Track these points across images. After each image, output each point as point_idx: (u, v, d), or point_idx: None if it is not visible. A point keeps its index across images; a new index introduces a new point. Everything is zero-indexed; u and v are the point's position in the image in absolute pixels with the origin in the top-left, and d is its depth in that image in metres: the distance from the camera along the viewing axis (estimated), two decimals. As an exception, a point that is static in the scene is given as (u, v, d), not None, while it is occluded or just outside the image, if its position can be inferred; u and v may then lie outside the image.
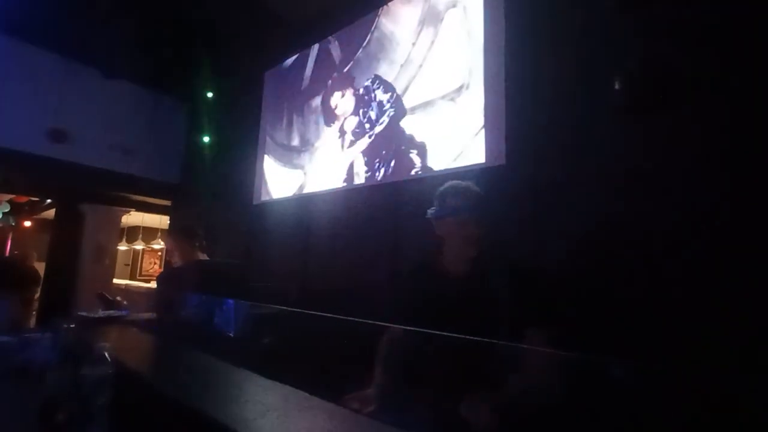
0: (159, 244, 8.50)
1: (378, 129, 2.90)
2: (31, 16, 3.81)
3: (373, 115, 2.96)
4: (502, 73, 2.25)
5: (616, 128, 1.87)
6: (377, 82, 2.97)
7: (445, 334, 0.98)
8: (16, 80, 3.86)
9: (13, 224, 7.90)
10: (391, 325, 1.30)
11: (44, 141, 4.02)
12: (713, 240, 1.56)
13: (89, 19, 3.83)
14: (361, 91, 3.08)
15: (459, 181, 1.34)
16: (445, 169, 2.45)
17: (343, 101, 3.22)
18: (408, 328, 1.32)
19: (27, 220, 8.03)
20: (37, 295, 2.99)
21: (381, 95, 2.93)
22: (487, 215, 1.26)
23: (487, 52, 2.35)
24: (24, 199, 7.08)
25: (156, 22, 4.06)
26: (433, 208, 1.33)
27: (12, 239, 8.18)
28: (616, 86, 1.77)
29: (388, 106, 2.87)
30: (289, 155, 3.66)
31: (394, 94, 2.83)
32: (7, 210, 7.18)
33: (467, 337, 0.93)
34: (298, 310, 1.39)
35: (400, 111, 2.78)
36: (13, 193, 6.39)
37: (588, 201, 1.89)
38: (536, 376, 1.05)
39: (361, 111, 3.06)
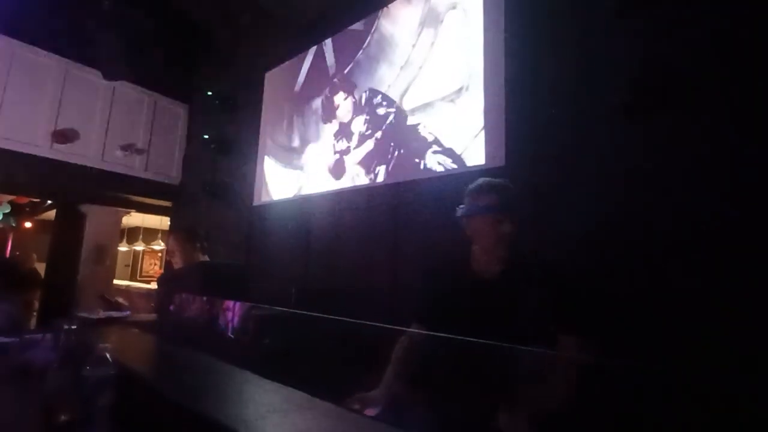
0: (159, 245, 8.50)
1: (378, 133, 2.91)
2: (34, 19, 3.83)
3: (373, 118, 2.97)
4: (501, 74, 2.26)
5: (616, 129, 1.87)
6: (377, 91, 2.97)
7: (460, 338, 0.93)
8: (18, 82, 3.87)
9: (14, 225, 7.91)
10: (394, 327, 1.28)
11: (45, 142, 4.03)
12: (714, 240, 1.57)
13: (91, 21, 3.84)
14: (363, 94, 3.09)
15: (491, 178, 1.26)
16: (445, 171, 2.45)
17: (344, 104, 3.23)
18: (420, 331, 1.30)
19: (28, 221, 8.03)
20: (37, 297, 3.00)
21: (381, 101, 2.93)
22: (521, 214, 1.20)
23: (486, 53, 2.35)
24: (25, 200, 7.09)
25: (156, 24, 4.07)
26: (462, 205, 1.26)
27: (12, 240, 8.19)
28: (616, 87, 1.77)
29: (388, 111, 2.87)
30: (289, 156, 3.67)
31: (394, 100, 2.84)
32: (7, 211, 7.19)
33: (485, 341, 0.87)
34: (299, 311, 1.39)
35: (400, 115, 2.78)
36: (14, 194, 6.39)
37: (588, 201, 1.90)
38: (568, 386, 1.00)
39: (362, 114, 3.06)
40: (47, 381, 1.05)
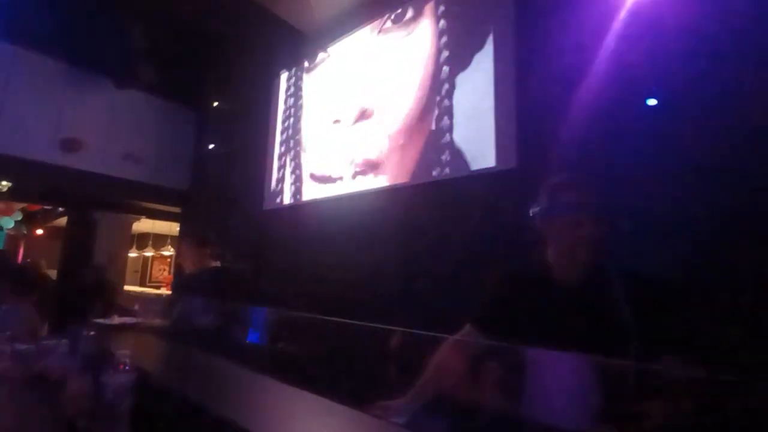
0: (168, 251, 8.56)
1: (388, 136, 2.90)
2: (45, 28, 3.88)
3: (382, 120, 2.97)
4: (512, 75, 2.25)
5: (633, 128, 1.85)
6: (386, 92, 2.98)
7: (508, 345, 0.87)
8: (29, 90, 3.93)
9: (26, 232, 8.01)
10: (411, 330, 1.25)
11: (56, 150, 4.07)
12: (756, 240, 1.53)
13: (101, 29, 3.90)
14: (372, 96, 3.09)
15: (571, 174, 1.13)
16: (454, 174, 2.44)
17: (352, 107, 3.23)
18: (453, 337, 1.23)
19: (39, 228, 8.13)
20: (50, 302, 3.02)
21: (390, 103, 2.93)
22: (608, 213, 1.06)
23: (497, 54, 2.34)
24: (36, 207, 7.18)
25: (165, 32, 4.12)
26: (538, 204, 1.13)
27: (24, 247, 8.29)
28: (634, 85, 1.75)
29: (396, 113, 2.87)
30: (299, 161, 3.68)
31: (403, 102, 2.84)
32: (19, 218, 7.28)
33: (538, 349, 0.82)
34: (316, 315, 1.38)
35: (408, 118, 2.78)
36: (26, 202, 6.48)
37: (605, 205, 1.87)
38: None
39: (371, 117, 3.07)
40: (68, 387, 1.05)
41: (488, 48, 2.39)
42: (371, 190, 2.94)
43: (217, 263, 2.32)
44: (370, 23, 3.18)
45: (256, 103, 4.23)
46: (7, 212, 6.92)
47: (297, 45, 3.85)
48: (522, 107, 2.21)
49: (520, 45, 2.27)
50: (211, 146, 4.55)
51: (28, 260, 4.52)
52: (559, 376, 0.98)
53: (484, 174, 2.28)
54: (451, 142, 2.50)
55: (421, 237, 2.55)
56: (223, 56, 4.59)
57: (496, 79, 2.32)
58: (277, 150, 3.94)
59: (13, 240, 8.27)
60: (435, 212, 2.49)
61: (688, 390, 0.88)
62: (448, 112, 2.54)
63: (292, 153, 3.77)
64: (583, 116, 1.99)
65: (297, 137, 3.74)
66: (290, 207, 3.66)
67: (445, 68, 2.61)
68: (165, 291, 8.15)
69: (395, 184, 2.79)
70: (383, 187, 2.86)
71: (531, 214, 1.14)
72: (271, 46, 4.08)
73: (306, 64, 3.79)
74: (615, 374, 0.88)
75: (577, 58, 2.05)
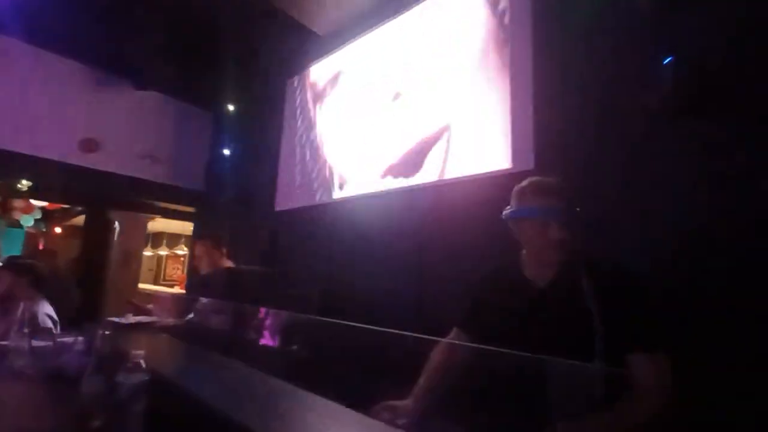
0: (182, 250, 8.67)
1: (402, 137, 2.88)
2: (65, 30, 3.96)
3: (396, 121, 2.95)
4: (529, 73, 2.20)
5: (653, 130, 1.80)
6: (400, 94, 2.96)
7: (501, 350, 0.87)
8: (49, 91, 4.02)
9: (45, 230, 8.20)
10: (424, 336, 1.24)
11: (75, 150, 4.16)
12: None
13: (120, 32, 3.97)
14: (386, 97, 3.08)
15: (540, 177, 1.16)
16: (470, 175, 2.41)
17: (366, 108, 3.22)
18: (455, 341, 1.25)
19: (58, 226, 8.31)
20: (71, 300, 3.07)
21: (405, 103, 2.91)
22: (578, 215, 1.07)
23: (513, 52, 2.30)
24: (55, 206, 7.34)
25: (182, 33, 4.17)
26: (509, 207, 1.17)
27: (44, 245, 8.48)
28: (654, 86, 1.70)
29: (412, 113, 2.85)
30: (312, 162, 3.68)
31: (419, 102, 2.81)
32: (38, 217, 7.45)
33: (527, 354, 0.82)
34: (330, 320, 1.36)
35: (424, 118, 2.76)
36: (45, 201, 6.63)
37: (622, 206, 1.82)
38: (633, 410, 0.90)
39: (385, 117, 3.05)
40: (82, 385, 1.05)
41: (503, 46, 2.35)
42: (386, 190, 2.92)
43: (231, 263, 2.33)
44: (385, 23, 3.17)
45: (272, 104, 4.25)
46: (26, 211, 7.09)
47: (312, 46, 3.86)
48: (539, 106, 2.16)
49: (536, 42, 2.23)
50: (225, 148, 4.59)
51: (46, 256, 4.61)
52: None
53: (500, 175, 2.24)
54: (466, 142, 2.46)
55: (436, 239, 2.52)
56: (239, 58, 4.62)
57: (512, 76, 2.28)
58: (289, 150, 3.94)
59: (32, 238, 8.48)
60: (451, 213, 2.46)
61: (655, 391, 0.91)
62: (463, 111, 2.51)
63: (305, 154, 3.77)
64: (599, 117, 1.95)
65: (312, 138, 3.74)
66: (304, 208, 3.66)
67: (458, 64, 2.58)
68: (178, 289, 8.26)
69: (410, 185, 2.76)
70: (398, 188, 2.83)
71: (502, 216, 1.17)
72: (287, 48, 4.10)
73: (320, 64, 3.79)
74: (576, 376, 0.90)
75: (594, 58, 2.01)
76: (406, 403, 1.14)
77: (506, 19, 2.37)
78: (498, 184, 2.29)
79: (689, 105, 1.68)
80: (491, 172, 2.30)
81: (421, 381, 1.20)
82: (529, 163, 2.13)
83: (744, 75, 1.58)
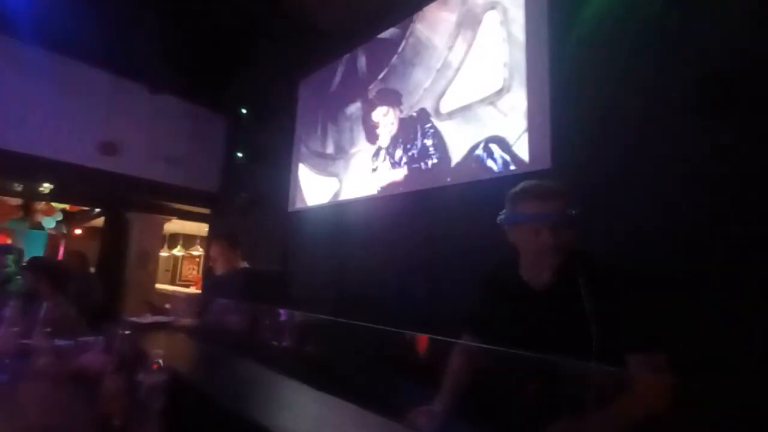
0: (197, 251, 8.80)
1: (415, 137, 2.87)
2: (83, 36, 4.06)
3: (410, 121, 2.93)
4: (546, 72, 2.17)
5: (671, 128, 1.75)
6: (414, 94, 2.94)
7: (511, 351, 0.88)
8: (69, 96, 4.12)
9: (65, 232, 8.41)
10: (441, 337, 1.23)
11: (94, 154, 4.25)
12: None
13: (136, 37, 4.04)
14: (398, 97, 3.06)
15: (535, 181, 1.13)
16: (485, 175, 2.38)
17: (378, 109, 3.22)
18: (469, 343, 1.24)
19: (78, 228, 8.52)
20: (94, 300, 3.14)
21: (418, 105, 2.90)
22: (573, 218, 1.05)
23: (529, 52, 2.27)
24: (75, 208, 7.52)
25: (196, 39, 4.23)
26: (504, 212, 1.15)
27: (65, 246, 8.71)
28: (677, 83, 1.65)
29: (425, 115, 2.83)
30: (324, 163, 3.69)
31: (431, 103, 2.79)
32: (60, 219, 7.65)
33: (538, 355, 0.82)
34: (346, 320, 1.36)
35: (437, 119, 2.74)
36: (66, 203, 6.80)
37: (642, 205, 1.78)
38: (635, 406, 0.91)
39: (398, 118, 3.04)
40: (103, 384, 1.06)
41: (519, 43, 2.32)
42: (399, 192, 2.90)
43: (246, 264, 2.35)
44: (397, 23, 3.16)
45: (285, 105, 4.28)
46: (48, 213, 7.29)
47: (325, 48, 3.86)
48: (556, 104, 2.12)
49: (552, 39, 2.19)
50: (239, 150, 4.64)
51: (72, 257, 4.72)
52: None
53: (517, 175, 2.20)
54: (483, 142, 2.44)
55: (449, 239, 2.49)
56: (252, 61, 4.67)
57: (528, 74, 2.25)
58: (303, 151, 3.96)
59: (53, 239, 8.71)
60: (465, 214, 2.43)
61: (654, 391, 0.92)
62: (480, 108, 2.48)
63: (318, 154, 3.78)
64: (618, 115, 1.91)
65: (324, 138, 3.75)
66: (316, 208, 3.67)
67: (467, 61, 2.56)
68: (194, 289, 8.38)
69: (423, 186, 2.74)
70: (411, 189, 2.82)
71: (498, 221, 1.16)
72: (299, 50, 4.12)
73: (336, 65, 3.80)
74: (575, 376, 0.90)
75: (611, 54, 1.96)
76: (438, 409, 1.12)
77: (522, 17, 2.34)
78: (514, 184, 2.27)
79: (710, 105, 1.63)
80: (509, 172, 2.26)
81: (447, 385, 1.18)
82: (547, 163, 2.09)
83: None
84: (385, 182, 3.02)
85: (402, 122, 2.99)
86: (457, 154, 2.56)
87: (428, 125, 2.79)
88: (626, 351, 0.95)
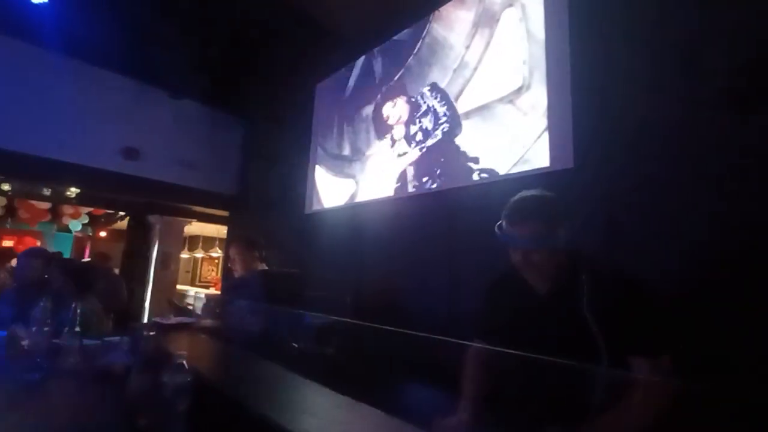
0: (217, 252, 8.95)
1: (431, 141, 2.85)
2: (107, 44, 4.18)
3: (427, 124, 2.92)
4: (567, 69, 2.12)
5: (698, 127, 1.68)
6: (433, 91, 2.92)
7: (519, 353, 0.88)
8: (93, 103, 4.25)
9: (91, 234, 8.69)
10: (463, 341, 1.21)
11: (118, 158, 4.37)
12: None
13: (158, 45, 4.14)
14: (415, 99, 3.05)
15: (523, 201, 1.12)
16: (505, 175, 2.34)
17: (395, 110, 3.21)
18: (484, 346, 1.23)
19: (103, 230, 8.78)
20: (120, 300, 3.22)
21: (436, 104, 2.88)
22: (561, 235, 1.05)
23: (548, 49, 2.23)
24: (100, 211, 7.76)
25: (215, 44, 4.31)
26: (499, 224, 1.15)
27: (90, 247, 8.99)
28: (703, 76, 1.59)
29: (443, 114, 2.81)
30: (341, 165, 3.70)
31: (450, 102, 2.77)
32: (86, 222, 7.91)
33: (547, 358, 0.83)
34: (367, 323, 1.35)
35: (455, 119, 2.71)
36: (91, 206, 7.02)
37: (672, 203, 1.72)
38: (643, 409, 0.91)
39: (415, 120, 3.03)
40: (130, 384, 1.08)
41: (539, 40, 2.28)
42: (416, 192, 2.89)
43: (264, 266, 2.36)
44: (413, 24, 3.15)
45: (302, 108, 4.31)
46: (75, 216, 7.54)
47: (341, 51, 3.88)
48: (578, 102, 2.07)
49: (573, 34, 2.14)
50: (257, 153, 4.70)
51: (98, 258, 4.87)
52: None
53: (539, 174, 2.16)
54: (500, 140, 2.40)
55: (468, 241, 2.46)
56: (269, 65, 4.73)
57: (549, 71, 2.20)
58: (319, 153, 3.99)
59: (80, 241, 9.01)
60: (484, 214, 2.39)
61: (657, 394, 0.91)
62: (498, 107, 2.45)
63: (335, 156, 3.80)
64: (643, 113, 1.85)
65: (341, 140, 3.77)
66: (333, 210, 3.68)
67: (490, 57, 2.53)
68: (213, 290, 8.53)
69: (441, 186, 2.72)
70: (429, 190, 2.80)
71: (496, 229, 1.15)
72: (315, 54, 4.15)
73: (351, 68, 3.81)
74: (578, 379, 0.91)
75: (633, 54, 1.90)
76: (464, 418, 1.11)
77: (542, 13, 2.30)
78: (534, 184, 2.22)
79: (740, 102, 1.56)
80: (528, 172, 2.22)
81: (467, 393, 1.17)
82: (569, 162, 2.04)
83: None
84: (403, 182, 3.00)
85: (419, 122, 2.97)
86: (474, 154, 2.53)
87: (445, 125, 2.76)
88: (629, 354, 0.95)
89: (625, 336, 0.94)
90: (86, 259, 8.21)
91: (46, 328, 1.55)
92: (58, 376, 1.36)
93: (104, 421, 1.11)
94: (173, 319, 1.92)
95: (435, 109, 2.86)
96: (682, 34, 1.78)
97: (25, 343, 1.47)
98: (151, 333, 1.21)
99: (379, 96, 3.39)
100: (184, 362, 1.04)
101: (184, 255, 9.02)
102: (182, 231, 6.11)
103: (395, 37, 3.31)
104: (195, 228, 8.14)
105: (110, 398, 1.19)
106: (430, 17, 3.02)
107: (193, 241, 9.92)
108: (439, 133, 2.80)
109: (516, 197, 1.14)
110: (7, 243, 7.98)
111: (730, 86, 1.56)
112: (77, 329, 1.57)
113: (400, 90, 3.19)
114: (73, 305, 1.77)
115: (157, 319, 1.90)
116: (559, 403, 0.96)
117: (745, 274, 1.48)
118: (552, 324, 1.04)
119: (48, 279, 2.17)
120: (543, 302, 1.10)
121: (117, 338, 1.69)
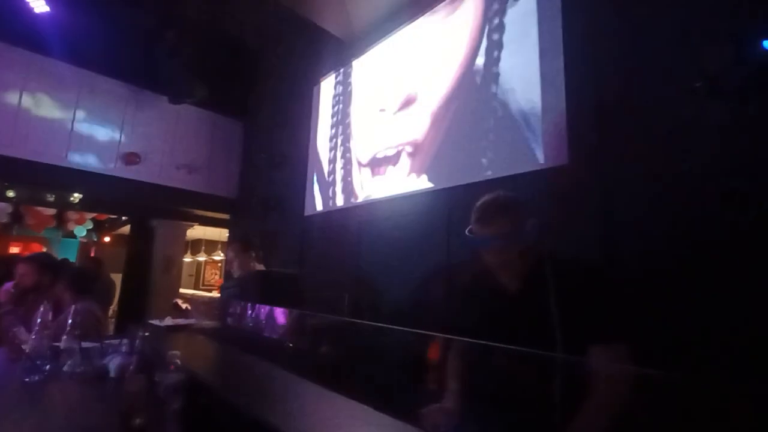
0: (220, 256, 8.99)
1: (429, 137, 2.86)
2: (107, 51, 4.23)
3: (422, 120, 2.93)
4: (560, 65, 2.12)
5: (693, 122, 1.68)
6: (428, 93, 2.94)
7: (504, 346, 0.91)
8: (95, 110, 4.30)
9: (96, 239, 8.75)
10: (455, 337, 1.22)
11: (119, 164, 4.41)
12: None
13: (157, 50, 4.19)
14: (413, 95, 3.06)
15: (489, 202, 1.16)
16: (500, 173, 2.35)
17: (391, 108, 3.22)
18: (469, 339, 1.24)
19: (106, 235, 8.84)
20: (114, 303, 3.25)
21: (431, 103, 2.89)
22: (528, 233, 1.08)
23: (542, 46, 2.23)
24: (104, 216, 7.82)
25: (212, 49, 4.35)
26: (471, 227, 1.18)
27: (94, 252, 9.05)
28: (696, 69, 1.59)
29: (438, 113, 2.82)
30: (339, 165, 3.72)
31: (447, 101, 2.78)
32: (90, 227, 7.97)
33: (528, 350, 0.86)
34: (362, 321, 1.37)
35: (452, 116, 2.72)
36: (94, 212, 7.08)
37: (665, 197, 1.72)
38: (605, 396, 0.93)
39: (411, 117, 3.04)
40: (125, 385, 1.10)
41: (533, 35, 2.28)
42: (413, 192, 2.90)
43: (262, 266, 2.38)
44: (407, 25, 3.17)
45: (300, 111, 4.34)
46: (80, 222, 7.61)
47: (337, 53, 3.91)
48: (572, 98, 2.08)
49: (566, 32, 2.15)
50: (256, 156, 4.72)
51: (93, 263, 4.91)
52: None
53: (534, 172, 2.17)
54: (495, 139, 2.41)
55: (465, 239, 2.46)
56: (267, 69, 4.76)
57: (542, 67, 2.21)
58: (318, 155, 4.01)
59: (85, 247, 9.08)
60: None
61: (618, 383, 0.94)
62: (492, 106, 2.46)
63: (333, 158, 3.82)
64: (634, 107, 1.85)
65: (339, 142, 3.78)
66: (332, 211, 3.69)
67: (486, 57, 2.54)
68: (217, 294, 8.57)
69: (437, 186, 2.73)
70: (426, 189, 2.81)
71: (466, 232, 1.18)
72: (312, 56, 4.17)
73: (347, 70, 3.83)
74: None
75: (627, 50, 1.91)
76: (449, 406, 1.13)
77: (534, 11, 2.31)
78: (529, 181, 2.23)
79: (735, 94, 1.56)
80: (525, 169, 2.23)
81: (452, 385, 1.19)
82: (563, 158, 2.05)
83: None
84: (400, 182, 3.01)
85: (416, 120, 2.98)
86: (472, 152, 2.54)
87: (442, 123, 2.77)
88: (589, 343, 0.98)
89: (589, 327, 0.98)
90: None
91: (46, 331, 1.58)
92: (58, 379, 1.38)
93: (102, 422, 1.12)
94: (171, 321, 1.94)
95: (430, 106, 2.87)
96: (677, 28, 1.78)
97: (26, 346, 1.49)
98: (147, 334, 1.23)
99: (378, 94, 3.40)
100: (177, 362, 1.05)
101: (187, 259, 9.07)
102: (184, 235, 6.14)
103: (389, 40, 3.33)
104: (197, 231, 8.18)
105: (107, 398, 1.21)
106: (425, 18, 3.03)
107: (195, 245, 9.96)
108: (437, 127, 2.81)
109: (482, 199, 1.18)
110: (14, 249, 8.06)
111: (725, 80, 1.56)
112: (77, 332, 1.60)
113: (398, 87, 3.20)
114: (72, 308, 1.80)
115: (155, 321, 1.92)
116: (532, 392, 0.98)
117: (744, 272, 1.47)
118: (523, 321, 1.07)
119: (46, 283, 2.19)
120: (514, 300, 1.13)
121: (116, 341, 1.71)
